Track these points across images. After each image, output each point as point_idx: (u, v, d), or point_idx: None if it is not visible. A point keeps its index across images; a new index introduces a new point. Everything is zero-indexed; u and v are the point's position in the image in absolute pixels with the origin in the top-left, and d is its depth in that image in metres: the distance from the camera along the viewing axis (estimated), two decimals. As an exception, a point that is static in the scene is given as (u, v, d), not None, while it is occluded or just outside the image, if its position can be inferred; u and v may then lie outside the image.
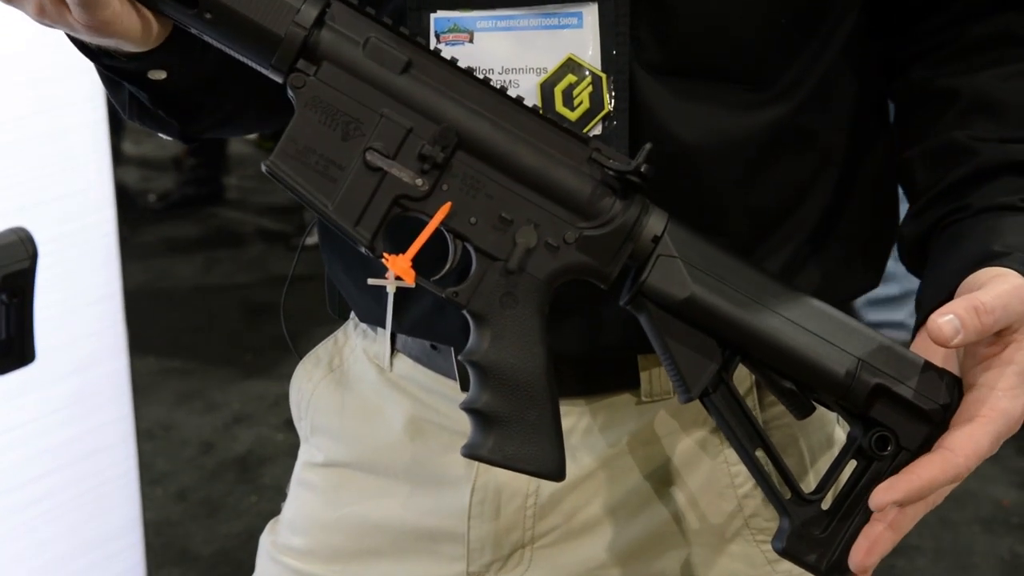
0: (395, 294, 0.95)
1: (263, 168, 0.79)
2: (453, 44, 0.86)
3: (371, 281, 0.82)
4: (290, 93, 0.79)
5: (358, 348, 1.04)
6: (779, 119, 0.89)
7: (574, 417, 0.95)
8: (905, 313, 3.23)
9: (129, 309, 1.90)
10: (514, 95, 0.80)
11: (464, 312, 0.81)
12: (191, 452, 3.05)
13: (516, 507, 0.96)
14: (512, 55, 0.85)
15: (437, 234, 0.80)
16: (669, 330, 0.80)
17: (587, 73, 0.85)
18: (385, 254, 0.78)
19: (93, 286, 1.79)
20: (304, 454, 1.08)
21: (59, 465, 1.77)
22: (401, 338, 1.00)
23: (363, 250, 0.79)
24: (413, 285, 0.79)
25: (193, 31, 0.80)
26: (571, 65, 0.85)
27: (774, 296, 0.80)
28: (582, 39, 0.85)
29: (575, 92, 0.85)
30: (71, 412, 1.77)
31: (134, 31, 0.79)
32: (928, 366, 0.80)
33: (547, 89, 0.85)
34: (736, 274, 0.80)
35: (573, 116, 0.85)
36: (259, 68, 0.80)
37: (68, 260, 1.73)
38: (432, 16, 0.86)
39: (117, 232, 1.84)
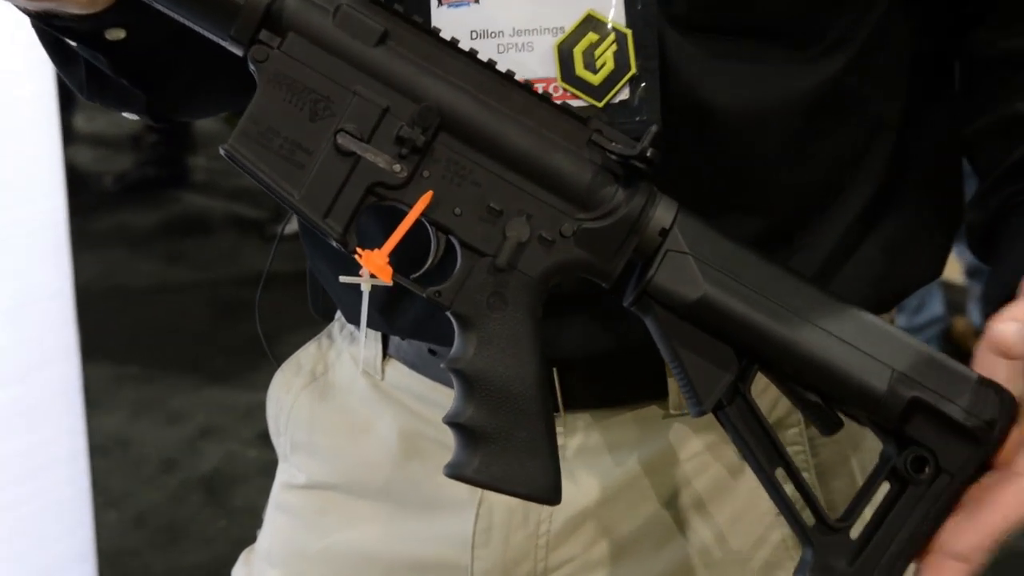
0: (388, 292, 0.95)
1: (221, 152, 0.79)
2: (456, 6, 0.86)
3: (344, 279, 0.82)
4: (252, 68, 0.79)
5: (345, 353, 1.04)
6: (825, 81, 0.89)
7: (590, 432, 0.95)
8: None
9: (81, 307, 1.90)
10: (530, 59, 0.80)
11: (448, 314, 0.81)
12: (151, 470, 3.05)
13: (526, 535, 0.96)
14: (524, 14, 0.85)
15: (418, 227, 0.80)
16: (678, 335, 0.80)
17: (610, 30, 0.85)
18: (359, 249, 0.79)
19: (40, 282, 1.79)
20: (283, 474, 1.07)
21: (0, 485, 1.77)
22: (394, 341, 1.00)
23: (334, 244, 0.79)
24: (390, 284, 0.79)
25: None
26: (591, 22, 0.85)
27: (798, 298, 0.80)
28: None
29: (597, 52, 0.85)
30: (13, 424, 1.77)
31: None
32: (974, 378, 0.80)
33: (565, 51, 0.86)
34: (755, 272, 0.80)
35: (596, 79, 0.85)
36: (217, 39, 0.80)
37: (11, 252, 1.73)
38: None
39: (68, 220, 1.84)
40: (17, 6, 0.82)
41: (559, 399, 0.95)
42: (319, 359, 1.06)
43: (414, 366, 0.99)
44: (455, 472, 0.80)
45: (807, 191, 0.91)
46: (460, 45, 0.80)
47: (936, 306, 3.29)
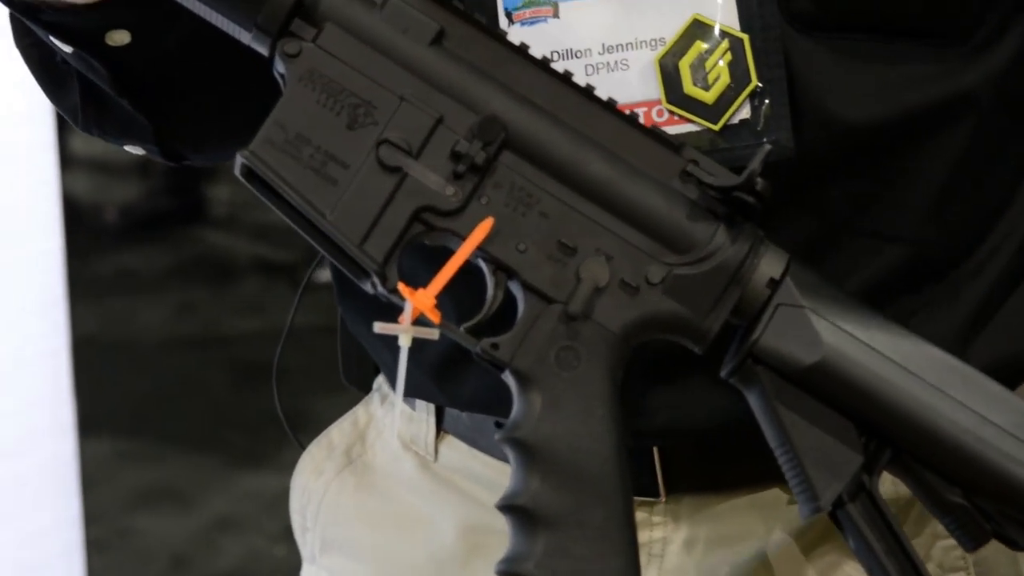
0: (443, 353, 0.95)
1: (237, 162, 0.80)
2: (531, 23, 0.88)
3: (379, 327, 0.82)
4: (280, 67, 0.81)
5: (387, 429, 1.05)
6: (979, 86, 0.90)
7: (697, 522, 0.96)
8: None
9: (77, 369, 1.92)
10: (626, 80, 0.81)
11: (507, 373, 0.81)
12: (159, 569, 3.07)
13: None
14: (615, 27, 0.86)
15: (473, 266, 0.81)
16: (791, 409, 0.80)
17: (722, 36, 0.86)
18: (401, 285, 0.79)
19: (30, 338, 1.81)
20: (310, 580, 1.08)
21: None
22: (451, 414, 1.00)
23: (369, 286, 0.80)
24: (436, 335, 0.79)
25: None
26: (698, 28, 0.86)
27: (939, 368, 0.80)
28: None
29: (708, 64, 0.86)
30: (0, 508, 1.78)
31: None
32: None
33: (669, 66, 0.86)
34: (885, 334, 0.80)
35: (709, 97, 0.86)
36: (239, 34, 0.81)
37: (-2, 302, 1.75)
38: None
39: (65, 264, 1.86)
40: None
41: (659, 481, 0.95)
42: (355, 437, 1.07)
43: (475, 444, 0.99)
44: (510, 568, 0.80)
45: (957, 219, 0.92)
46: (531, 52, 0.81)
47: None
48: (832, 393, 0.79)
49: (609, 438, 0.80)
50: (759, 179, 0.78)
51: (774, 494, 0.95)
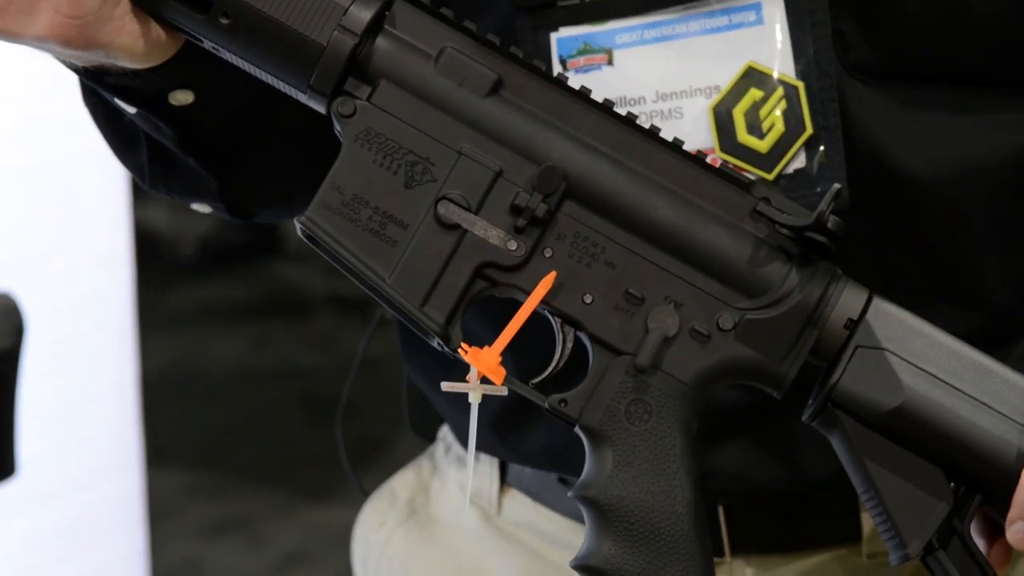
0: (507, 408, 0.94)
1: (297, 227, 0.79)
2: (586, 70, 0.87)
3: (446, 386, 0.82)
4: (336, 126, 0.80)
5: (451, 481, 1.04)
6: None
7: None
8: None
9: (148, 402, 1.93)
10: (680, 128, 0.80)
11: (576, 429, 0.80)
12: (226, 603, 3.08)
13: None
14: (669, 74, 0.86)
15: (540, 320, 0.80)
16: (874, 454, 0.78)
17: (777, 83, 0.86)
18: (464, 346, 0.78)
19: (101, 372, 1.83)
20: (372, 632, 1.08)
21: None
22: (515, 469, 1.00)
23: (435, 342, 0.79)
24: (504, 390, 0.79)
25: (207, 45, 0.81)
26: (753, 76, 0.86)
27: None
28: (765, 39, 0.85)
29: (762, 113, 0.86)
30: (68, 544, 1.80)
31: (130, 37, 0.79)
32: None
33: (723, 114, 0.86)
34: (973, 374, 0.78)
35: (763, 146, 0.86)
36: (296, 94, 0.81)
37: (69, 337, 1.76)
38: (554, 36, 0.87)
39: (136, 297, 1.88)
40: (64, 63, 0.84)
41: (724, 540, 0.94)
42: (418, 488, 1.06)
43: (539, 498, 0.99)
44: None
45: None
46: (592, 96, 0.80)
47: None
48: (915, 438, 0.78)
49: (684, 494, 0.79)
50: (832, 216, 0.76)
51: (840, 556, 0.94)
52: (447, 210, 0.78)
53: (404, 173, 0.79)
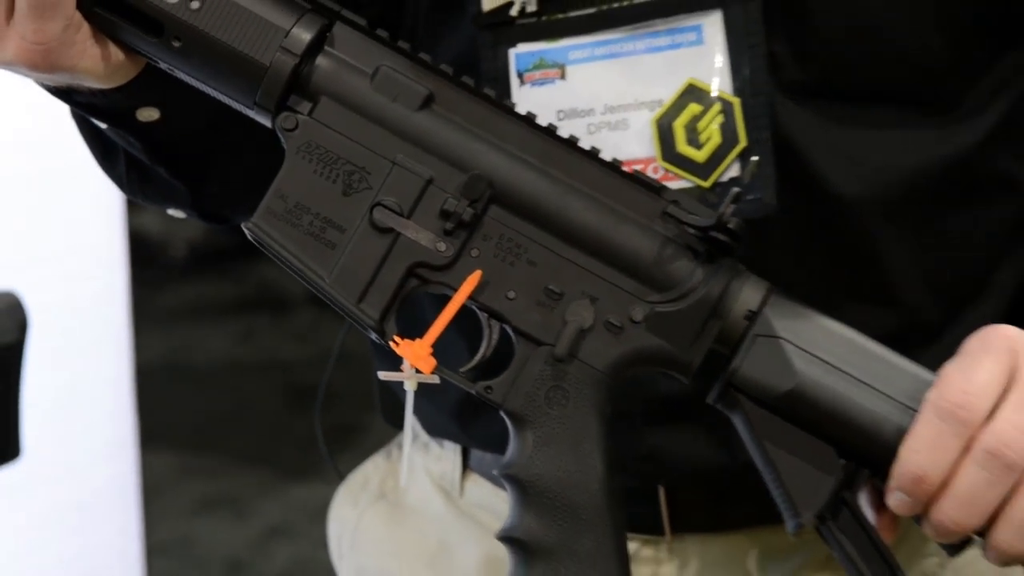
0: (468, 399, 0.93)
1: (245, 231, 0.79)
2: (540, 84, 0.87)
3: (383, 375, 0.82)
4: (281, 139, 0.79)
5: (419, 467, 1.03)
6: (962, 153, 0.88)
7: (702, 559, 0.94)
8: None
9: (142, 391, 1.92)
10: (625, 138, 0.80)
11: (501, 413, 0.79)
12: (214, 573, 3.06)
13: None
14: (617, 89, 0.85)
15: (469, 314, 0.79)
16: (770, 433, 0.78)
17: (715, 99, 0.85)
18: (396, 338, 0.78)
19: (99, 364, 1.81)
20: (346, 602, 1.06)
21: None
22: (476, 454, 0.99)
23: (372, 335, 0.79)
24: (436, 379, 0.78)
25: (163, 66, 0.80)
26: (693, 92, 0.85)
27: (915, 390, 0.77)
28: (705, 58, 0.85)
29: (700, 126, 0.85)
30: (67, 522, 1.79)
31: (92, 61, 0.79)
32: None
33: (665, 126, 0.86)
34: (863, 360, 0.78)
35: (700, 156, 0.85)
36: (244, 110, 0.80)
37: (69, 332, 1.75)
38: (512, 52, 0.87)
39: (130, 295, 1.87)
40: (36, 81, 0.82)
41: (665, 520, 0.93)
42: (388, 472, 1.05)
43: (498, 482, 0.96)
44: None
45: (945, 284, 0.89)
46: (517, 109, 0.79)
47: None
48: (808, 418, 0.77)
49: (598, 472, 0.78)
50: (733, 218, 0.76)
51: (774, 533, 0.93)
52: (382, 215, 0.78)
53: (342, 182, 0.78)
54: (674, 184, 0.84)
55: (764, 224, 0.84)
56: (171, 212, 0.97)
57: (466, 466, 1.00)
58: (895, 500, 0.74)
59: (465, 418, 0.96)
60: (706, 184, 0.85)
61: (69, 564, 1.79)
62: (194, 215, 0.97)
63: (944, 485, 0.73)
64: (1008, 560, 0.73)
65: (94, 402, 1.80)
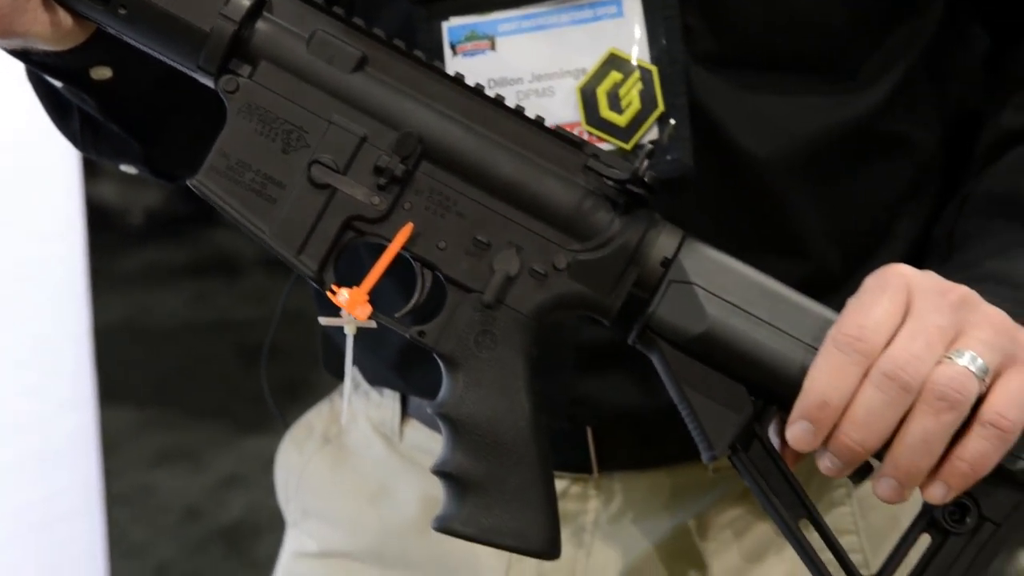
0: (404, 350, 0.93)
1: (190, 186, 0.78)
2: (471, 55, 0.87)
3: (324, 321, 0.81)
4: (224, 100, 0.79)
5: (360, 414, 1.03)
6: (863, 117, 0.88)
7: (627, 495, 0.94)
8: None
9: (102, 350, 1.90)
10: (552, 105, 0.80)
11: (434, 355, 0.80)
12: (173, 520, 3.04)
13: (557, 606, 0.94)
14: (543, 59, 0.86)
15: (404, 264, 0.79)
16: (685, 373, 0.78)
17: (634, 67, 0.86)
18: (335, 287, 0.77)
19: (58, 325, 1.79)
20: (292, 542, 1.06)
21: (12, 535, 1.76)
22: (414, 401, 0.99)
23: (312, 284, 0.79)
24: (374, 324, 0.78)
25: (110, 31, 0.80)
26: (614, 61, 0.86)
27: (819, 331, 0.77)
28: (624, 29, 0.85)
29: (621, 92, 0.86)
30: (27, 472, 1.77)
31: (43, 26, 0.78)
32: None
33: (588, 93, 0.86)
34: (772, 303, 0.78)
35: (622, 120, 0.85)
36: (189, 72, 0.80)
37: (28, 295, 1.73)
38: (445, 25, 0.87)
39: (87, 258, 1.84)
40: None
41: (593, 459, 0.93)
42: (332, 420, 1.05)
43: (435, 426, 0.97)
44: (442, 525, 0.78)
45: (849, 236, 0.90)
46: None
47: None
48: (719, 359, 0.77)
49: (524, 410, 0.78)
50: (648, 172, 0.76)
51: (691, 471, 0.94)
52: (319, 172, 0.77)
53: (281, 140, 0.78)
54: (599, 147, 0.84)
55: (682, 183, 0.84)
56: (123, 168, 0.96)
57: (405, 413, 0.99)
58: (799, 430, 0.74)
59: (404, 368, 0.96)
60: (627, 146, 0.85)
61: (31, 510, 1.77)
62: (146, 171, 0.96)
63: (845, 409, 0.73)
64: (902, 481, 0.73)
65: (55, 360, 1.78)
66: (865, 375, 0.73)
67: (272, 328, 1.11)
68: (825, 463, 0.74)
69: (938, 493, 0.74)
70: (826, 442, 0.74)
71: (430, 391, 0.94)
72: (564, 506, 0.94)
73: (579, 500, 0.94)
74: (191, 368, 3.73)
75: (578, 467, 0.93)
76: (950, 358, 0.73)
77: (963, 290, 0.75)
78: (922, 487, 0.74)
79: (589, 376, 0.90)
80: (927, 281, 0.75)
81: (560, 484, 0.94)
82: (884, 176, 0.90)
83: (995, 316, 0.75)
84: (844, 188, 0.89)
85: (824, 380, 0.73)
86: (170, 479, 3.20)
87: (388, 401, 1.00)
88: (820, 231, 0.89)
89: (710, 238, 0.79)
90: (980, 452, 0.73)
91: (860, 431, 0.73)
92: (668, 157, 0.84)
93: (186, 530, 3.01)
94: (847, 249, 0.90)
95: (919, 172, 0.92)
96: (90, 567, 1.88)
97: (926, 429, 0.72)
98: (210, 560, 2.89)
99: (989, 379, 0.73)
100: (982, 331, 0.74)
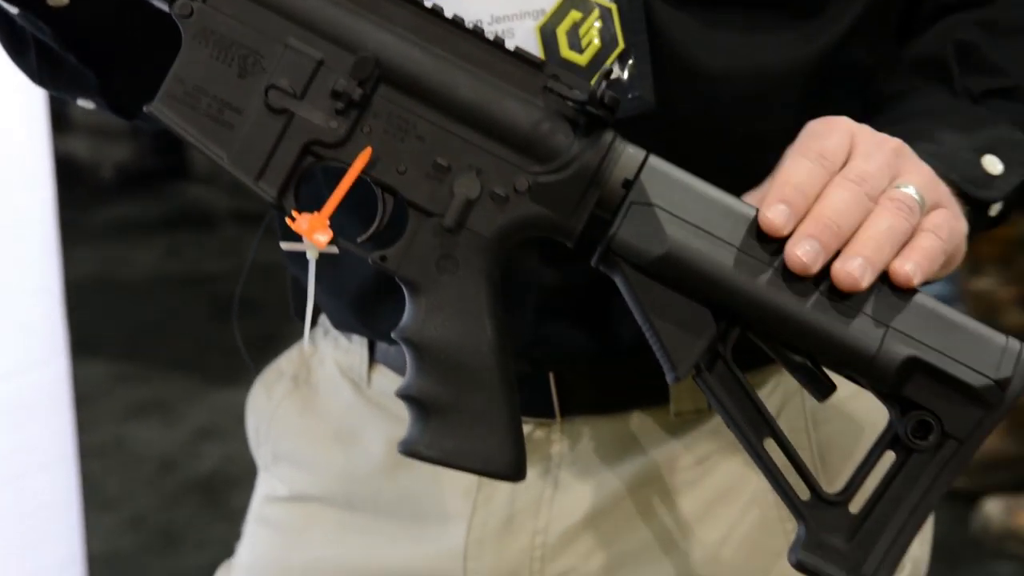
0: (370, 295, 0.93)
1: (145, 111, 0.77)
2: None
3: (284, 246, 0.81)
4: (179, 25, 0.77)
5: (329, 359, 1.03)
6: (825, 51, 0.89)
7: (590, 439, 0.95)
8: None
9: (77, 303, 1.90)
10: (511, 46, 0.78)
11: (397, 280, 0.79)
12: (148, 472, 3.04)
13: (521, 547, 0.95)
14: (502, 0, 0.84)
15: (366, 190, 0.78)
16: (648, 295, 0.77)
17: (593, 5, 0.84)
18: (295, 212, 0.77)
19: (29, 279, 1.78)
20: (263, 486, 1.06)
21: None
22: (381, 347, 0.98)
23: (273, 209, 0.78)
24: (336, 249, 0.77)
25: None
26: (573, 0, 0.85)
27: (780, 251, 0.76)
28: None
29: (581, 31, 0.85)
30: (5, 422, 1.76)
31: None
32: (985, 335, 0.77)
33: (548, 33, 0.85)
34: (732, 224, 0.77)
35: (583, 60, 0.84)
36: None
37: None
38: None
39: (57, 213, 1.83)
40: None
41: (555, 403, 0.94)
42: (301, 365, 1.04)
43: (402, 371, 0.96)
44: (407, 449, 0.78)
45: None
46: None
47: None
48: (681, 280, 0.77)
49: (487, 334, 0.78)
50: (608, 92, 0.75)
51: (654, 415, 0.94)
52: (276, 96, 0.76)
53: (237, 65, 0.76)
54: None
55: (646, 121, 0.83)
56: (81, 102, 0.95)
57: (373, 359, 0.99)
58: (777, 211, 0.75)
59: (364, 312, 0.95)
60: (589, 83, 0.84)
61: (5, 463, 1.77)
62: (104, 105, 0.94)
63: (817, 199, 0.76)
64: (871, 260, 0.75)
65: (26, 313, 1.77)
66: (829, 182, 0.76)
67: (242, 278, 1.10)
68: (803, 247, 0.74)
69: (907, 267, 0.75)
70: (796, 226, 0.75)
71: (390, 335, 0.95)
72: (528, 450, 0.94)
73: (543, 444, 0.94)
74: (164, 321, 3.72)
75: (541, 412, 0.94)
76: (897, 187, 0.77)
77: (898, 141, 0.79)
78: (890, 268, 0.76)
79: (549, 320, 0.90)
80: (867, 130, 0.79)
81: (524, 428, 0.94)
82: (845, 105, 0.89)
83: (924, 167, 0.79)
84: (806, 119, 0.89)
85: (797, 173, 0.76)
86: (144, 431, 3.19)
87: (356, 347, 1.00)
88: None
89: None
90: (931, 246, 0.76)
91: (834, 214, 0.75)
92: (630, 96, 0.84)
93: (161, 482, 3.01)
94: None
95: (874, 104, 0.92)
96: (65, 519, 1.88)
97: (890, 222, 0.75)
98: (185, 511, 2.89)
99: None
100: (916, 176, 0.78)
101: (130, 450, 3.13)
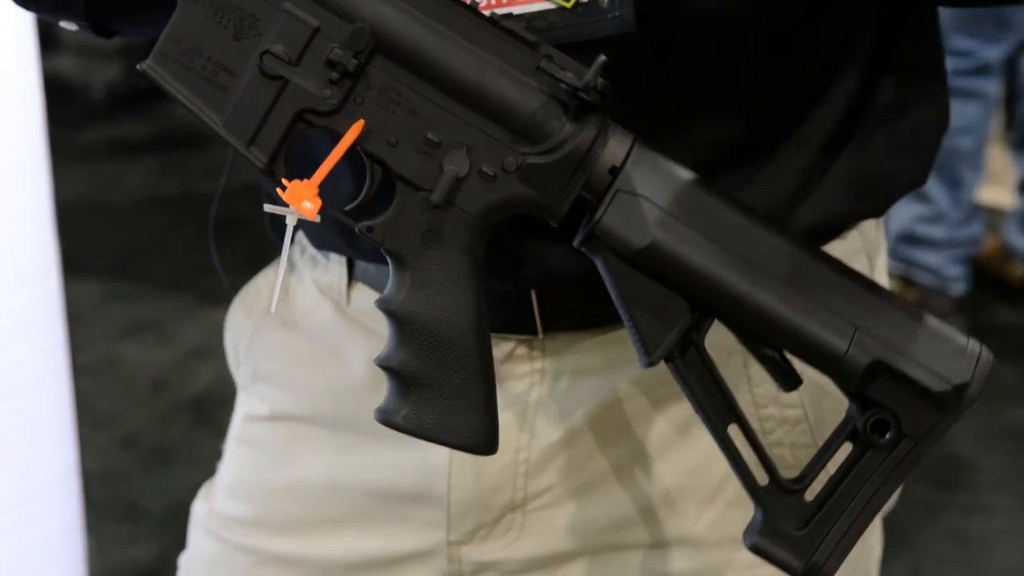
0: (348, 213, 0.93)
1: (139, 69, 0.76)
2: None
3: (268, 208, 0.81)
4: None
5: (307, 278, 1.02)
6: None
7: (570, 356, 0.95)
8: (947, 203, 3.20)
9: (68, 223, 1.89)
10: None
11: (383, 252, 0.79)
12: (140, 391, 3.05)
13: (505, 464, 0.95)
14: None
15: (357, 159, 0.78)
16: (626, 282, 0.79)
17: None
18: (284, 180, 0.77)
19: (18, 196, 1.77)
20: (244, 405, 1.06)
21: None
22: (360, 265, 0.98)
23: (263, 177, 0.78)
24: (319, 218, 0.77)
25: None
26: None
27: (759, 247, 0.78)
28: None
29: None
30: (-5, 339, 1.76)
31: None
32: (950, 340, 0.79)
33: None
34: (713, 217, 0.78)
35: None
36: None
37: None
38: None
39: (46, 132, 1.82)
40: None
41: (537, 321, 0.94)
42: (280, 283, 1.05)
43: (381, 289, 0.97)
44: (384, 418, 0.79)
45: (788, 90, 0.90)
46: None
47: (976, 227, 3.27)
48: (661, 270, 0.78)
49: (468, 310, 0.78)
50: (600, 80, 0.75)
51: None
52: (270, 62, 0.76)
53: (233, 27, 0.76)
54: (538, 6, 0.82)
55: (626, 41, 0.83)
56: (64, 24, 0.94)
57: (352, 277, 0.99)
58: None
59: (349, 232, 0.96)
60: (568, 5, 0.83)
61: (-2, 380, 1.77)
62: (86, 27, 0.93)
63: None
64: None
65: (16, 232, 1.76)
66: None
67: (216, 199, 1.10)
68: None
69: None
70: None
71: (376, 255, 0.94)
72: (512, 367, 0.95)
73: (526, 361, 0.95)
74: (154, 241, 3.71)
75: (524, 329, 0.94)
76: None
77: None
78: None
79: (530, 239, 0.90)
80: None
81: (507, 346, 0.94)
82: (821, 35, 0.89)
83: None
84: (784, 40, 0.88)
85: None
86: (136, 351, 3.20)
87: (334, 265, 1.00)
88: (759, 88, 0.88)
89: (648, 96, 0.78)
90: None
91: None
92: (610, 15, 0.83)
93: (154, 401, 3.02)
94: (783, 108, 0.90)
95: (857, 25, 0.91)
96: (59, 437, 1.88)
97: None
98: (178, 430, 2.91)
99: None
100: None
101: (122, 369, 3.13)
